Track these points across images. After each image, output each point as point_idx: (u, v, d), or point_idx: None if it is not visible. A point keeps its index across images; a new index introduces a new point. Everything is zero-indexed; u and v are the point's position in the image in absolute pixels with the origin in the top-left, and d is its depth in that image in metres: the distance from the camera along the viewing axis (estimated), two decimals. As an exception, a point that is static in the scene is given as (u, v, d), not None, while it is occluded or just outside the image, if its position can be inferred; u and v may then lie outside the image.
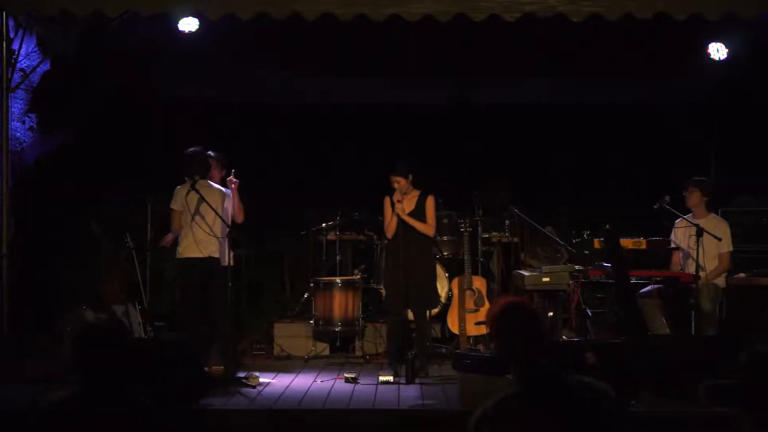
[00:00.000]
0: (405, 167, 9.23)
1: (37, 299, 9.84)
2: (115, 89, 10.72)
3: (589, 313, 9.48)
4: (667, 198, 9.18)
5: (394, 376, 8.78)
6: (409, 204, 9.24)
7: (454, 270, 10.61)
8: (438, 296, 9.96)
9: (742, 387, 3.62)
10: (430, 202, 9.32)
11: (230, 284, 8.92)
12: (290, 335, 10.59)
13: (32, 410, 4.20)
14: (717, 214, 9.96)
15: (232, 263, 9.03)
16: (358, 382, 8.77)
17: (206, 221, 8.88)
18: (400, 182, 9.18)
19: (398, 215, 9.12)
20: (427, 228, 9.30)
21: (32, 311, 9.59)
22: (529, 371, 3.62)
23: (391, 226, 9.22)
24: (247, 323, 11.01)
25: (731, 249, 9.31)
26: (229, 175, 9.39)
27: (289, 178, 12.09)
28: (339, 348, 10.49)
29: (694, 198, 9.36)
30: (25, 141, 9.50)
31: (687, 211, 9.42)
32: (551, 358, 3.65)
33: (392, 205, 9.21)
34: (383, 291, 10.14)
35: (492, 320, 3.77)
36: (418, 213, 9.26)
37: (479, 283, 10.21)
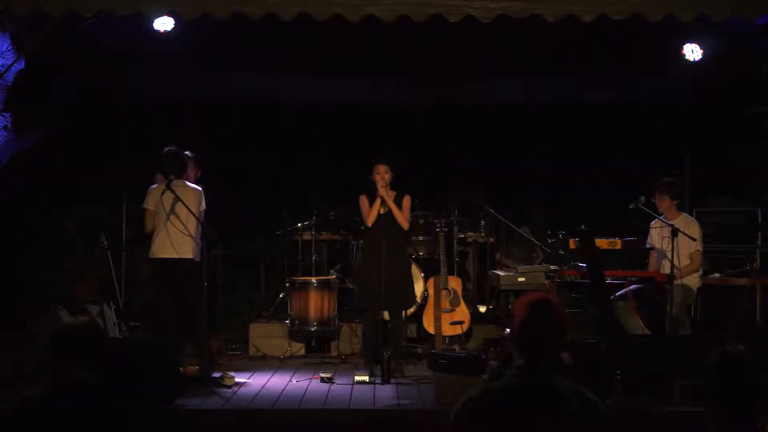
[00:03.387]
0: (390, 161, 9.31)
1: (9, 299, 9.78)
2: (90, 89, 10.67)
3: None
4: (642, 198, 9.22)
5: (370, 376, 8.79)
6: (385, 196, 9.27)
7: (430, 270, 10.62)
8: (414, 296, 9.96)
9: (712, 387, 3.65)
10: (406, 201, 9.39)
11: (205, 284, 8.91)
12: (266, 335, 10.59)
13: (3, 410, 4.19)
14: (691, 213, 10.04)
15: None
16: (334, 382, 8.78)
17: (181, 220, 8.85)
18: (388, 173, 9.24)
19: (383, 201, 9.16)
20: (404, 219, 9.33)
21: (3, 311, 9.54)
22: (528, 367, 3.61)
23: (372, 212, 9.25)
24: (223, 323, 10.99)
25: (701, 249, 9.36)
26: (202, 174, 9.42)
27: (264, 178, 12.09)
28: (314, 348, 10.50)
29: (664, 203, 9.40)
30: (-1, 140, 9.45)
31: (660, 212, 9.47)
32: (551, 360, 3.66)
33: (369, 200, 9.28)
34: (354, 288, 10.17)
35: (522, 305, 3.76)
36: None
37: (455, 283, 10.22)
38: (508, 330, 9.53)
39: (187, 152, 9.24)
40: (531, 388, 3.57)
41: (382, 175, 9.26)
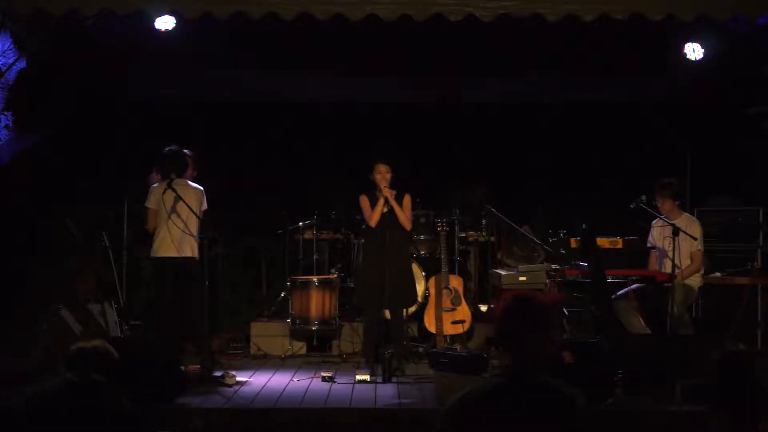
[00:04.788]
0: (391, 161, 9.30)
1: (10, 299, 9.79)
2: (90, 88, 10.67)
3: (566, 312, 9.52)
4: (644, 197, 9.22)
5: (371, 375, 8.79)
6: (389, 197, 9.26)
7: (431, 269, 10.63)
8: (415, 294, 9.95)
9: (713, 387, 3.64)
10: (407, 200, 9.38)
11: (206, 282, 8.91)
12: (267, 334, 10.57)
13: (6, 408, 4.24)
14: (692, 213, 10.06)
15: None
16: (335, 381, 8.77)
17: (182, 219, 8.87)
18: (389, 172, 9.22)
19: (386, 200, 9.15)
20: (406, 219, 9.33)
21: (4, 311, 9.55)
22: (514, 368, 3.60)
23: (375, 212, 9.23)
24: (224, 322, 11.00)
25: (702, 248, 9.37)
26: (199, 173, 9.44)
27: (265, 177, 12.08)
28: (316, 347, 10.48)
29: (666, 205, 9.39)
30: (0, 139, 9.45)
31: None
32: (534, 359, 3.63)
33: (370, 200, 9.27)
34: (355, 287, 10.18)
35: (500, 306, 3.73)
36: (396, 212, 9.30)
37: (456, 282, 10.22)
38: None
39: (185, 151, 9.26)
40: (514, 388, 3.55)
41: (383, 174, 9.25)
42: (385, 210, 9.25)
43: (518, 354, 3.62)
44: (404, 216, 9.31)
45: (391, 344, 9.19)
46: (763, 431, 3.60)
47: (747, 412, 3.59)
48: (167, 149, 9.07)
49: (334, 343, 10.52)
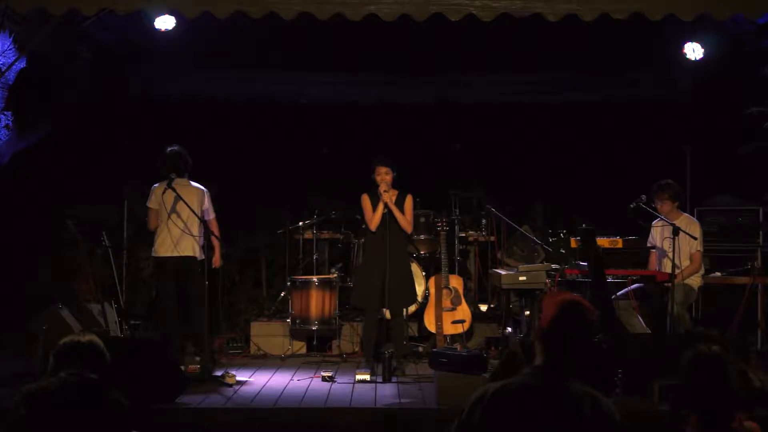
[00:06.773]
0: (392, 161, 9.27)
1: (10, 299, 9.79)
2: (90, 88, 10.67)
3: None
4: (644, 197, 9.22)
5: (371, 375, 8.79)
6: (388, 202, 9.24)
7: (431, 269, 10.63)
8: (415, 294, 9.95)
9: (686, 387, 3.63)
10: (409, 201, 9.34)
11: (206, 282, 8.91)
12: (267, 334, 10.57)
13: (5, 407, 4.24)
14: (692, 212, 10.05)
15: (219, 264, 9.21)
16: (335, 381, 8.76)
17: (182, 219, 8.88)
18: (389, 174, 9.19)
19: (385, 204, 9.13)
20: (407, 223, 9.31)
21: (5, 310, 9.55)
22: (548, 368, 3.59)
23: (376, 217, 9.21)
24: (224, 322, 10.99)
25: (701, 249, 9.37)
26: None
27: (265, 176, 12.08)
28: (316, 347, 10.48)
29: (665, 207, 9.40)
30: (0, 139, 9.45)
31: (662, 213, 9.47)
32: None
33: (371, 200, 9.25)
34: (354, 287, 10.17)
35: (553, 305, 3.76)
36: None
37: (456, 281, 10.22)
38: (509, 329, 9.55)
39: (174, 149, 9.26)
40: (547, 388, 3.56)
41: (383, 176, 9.22)
42: (386, 211, 9.23)
43: (558, 354, 3.64)
44: (405, 220, 9.28)
45: (391, 344, 9.19)
46: (737, 428, 3.60)
47: (719, 413, 3.58)
48: (168, 149, 9.08)
49: (334, 342, 10.52)
